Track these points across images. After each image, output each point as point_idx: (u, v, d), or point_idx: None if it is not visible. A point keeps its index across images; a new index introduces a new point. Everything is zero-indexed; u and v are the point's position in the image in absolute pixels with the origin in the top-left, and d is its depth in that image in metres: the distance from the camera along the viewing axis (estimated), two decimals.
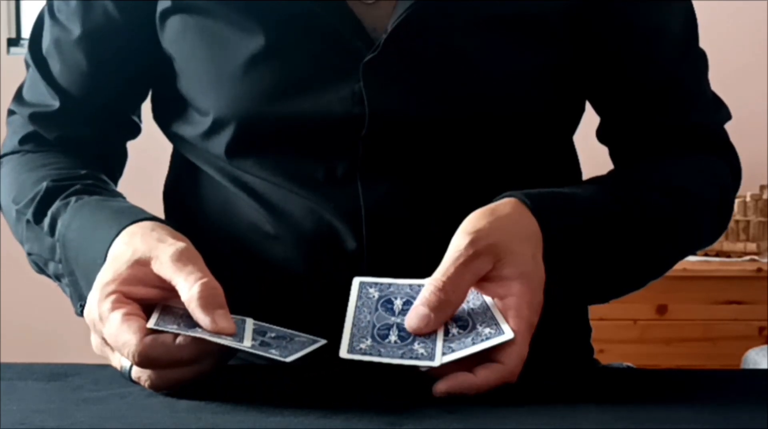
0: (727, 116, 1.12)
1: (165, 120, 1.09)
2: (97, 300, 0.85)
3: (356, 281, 0.87)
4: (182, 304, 0.83)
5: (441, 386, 0.81)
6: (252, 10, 0.99)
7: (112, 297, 0.84)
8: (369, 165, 1.00)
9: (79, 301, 0.95)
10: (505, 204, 0.90)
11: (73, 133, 1.10)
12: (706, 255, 3.12)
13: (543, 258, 0.88)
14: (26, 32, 3.60)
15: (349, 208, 1.00)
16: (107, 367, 0.92)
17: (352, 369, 0.87)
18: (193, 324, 0.82)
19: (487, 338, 0.82)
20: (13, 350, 3.36)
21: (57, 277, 1.00)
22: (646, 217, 0.99)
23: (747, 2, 3.41)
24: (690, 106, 1.09)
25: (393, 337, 0.83)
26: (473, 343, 0.82)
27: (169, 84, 1.05)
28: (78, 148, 1.10)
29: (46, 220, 0.99)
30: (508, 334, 0.82)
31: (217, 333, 0.81)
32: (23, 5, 3.62)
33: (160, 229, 0.89)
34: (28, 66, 1.12)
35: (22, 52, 3.56)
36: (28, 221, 1.01)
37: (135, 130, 1.13)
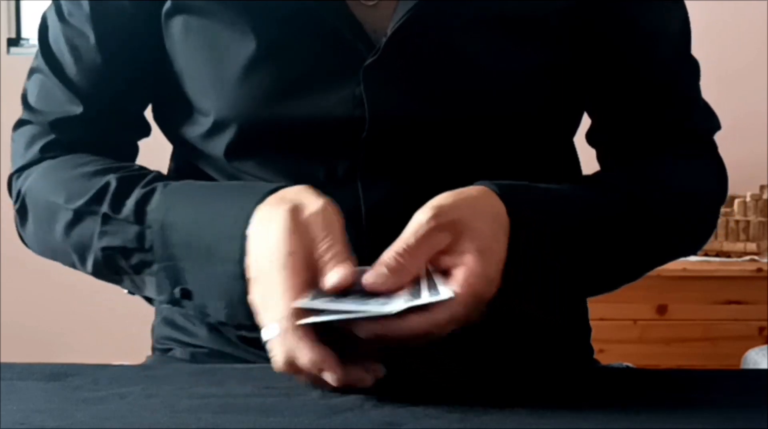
0: (718, 126, 1.12)
1: (166, 120, 1.09)
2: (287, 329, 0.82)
3: None
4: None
5: (366, 326, 0.81)
6: (252, 12, 0.99)
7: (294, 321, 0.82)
8: (369, 166, 1.00)
9: (176, 286, 0.93)
10: (473, 188, 0.91)
11: (95, 136, 1.07)
12: (706, 255, 3.12)
13: (509, 241, 0.88)
14: (26, 32, 3.60)
15: (350, 209, 1.00)
16: (107, 368, 0.92)
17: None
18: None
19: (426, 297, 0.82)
20: (13, 350, 3.36)
21: (137, 269, 0.96)
22: (629, 216, 0.99)
23: (747, 2, 3.41)
24: (683, 111, 1.09)
25: (351, 297, 0.83)
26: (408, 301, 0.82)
27: (171, 84, 1.05)
28: (100, 151, 1.07)
29: (128, 210, 0.96)
30: (443, 294, 0.82)
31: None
32: (23, 5, 3.62)
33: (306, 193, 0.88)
34: (32, 73, 1.09)
35: (22, 52, 3.56)
36: (105, 215, 0.97)
37: (147, 130, 1.12)
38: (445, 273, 0.85)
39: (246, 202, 0.89)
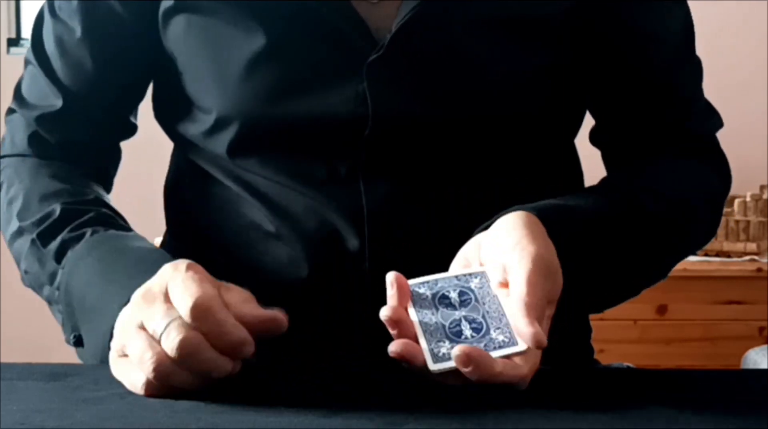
0: (719, 124, 1.12)
1: (167, 118, 1.09)
2: (171, 267, 0.82)
3: None
4: None
5: (464, 348, 0.78)
6: (255, 10, 0.99)
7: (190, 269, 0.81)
8: (372, 165, 1.00)
9: (73, 333, 0.94)
10: (531, 218, 0.88)
11: (75, 135, 1.09)
12: (706, 255, 3.12)
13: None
14: (26, 32, 3.60)
15: (352, 208, 1.00)
16: (107, 367, 0.92)
17: (351, 368, 0.87)
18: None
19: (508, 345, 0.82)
20: (13, 350, 3.36)
21: (48, 301, 1.00)
22: (640, 225, 0.99)
23: (747, 2, 3.41)
24: (684, 112, 1.09)
25: (467, 332, 0.82)
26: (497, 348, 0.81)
27: (172, 82, 1.05)
28: (79, 152, 1.09)
29: (54, 245, 0.98)
30: (521, 346, 0.81)
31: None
32: (23, 5, 3.62)
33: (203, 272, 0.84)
34: (26, 64, 1.11)
35: (22, 52, 3.56)
36: (33, 241, 1.00)
37: (132, 131, 1.13)
38: None
39: (129, 285, 0.86)
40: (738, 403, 0.83)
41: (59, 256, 0.97)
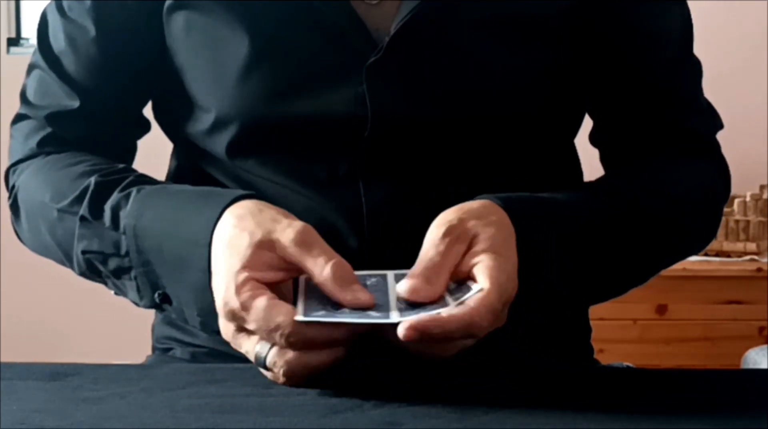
0: (720, 125, 1.12)
1: (167, 118, 1.09)
2: (234, 290, 0.83)
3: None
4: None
5: (405, 325, 0.79)
6: (254, 10, 0.99)
7: (250, 284, 0.83)
8: (371, 165, 1.00)
9: (156, 291, 0.94)
10: (474, 201, 0.91)
11: (93, 131, 1.08)
12: (706, 255, 3.12)
13: (518, 248, 0.88)
14: (26, 32, 3.60)
15: (351, 208, 1.00)
16: (107, 367, 0.92)
17: (351, 368, 0.87)
18: (338, 305, 0.83)
19: (459, 297, 0.83)
20: (13, 349, 3.36)
21: (116, 274, 0.97)
22: (633, 220, 0.99)
23: (747, 2, 3.41)
24: (684, 112, 1.09)
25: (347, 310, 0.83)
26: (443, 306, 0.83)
27: (172, 81, 1.05)
28: (97, 148, 1.08)
29: (106, 215, 0.96)
30: (475, 288, 0.83)
31: (360, 307, 0.82)
32: (23, 5, 3.62)
33: (268, 209, 0.88)
34: (31, 69, 1.10)
35: (22, 52, 3.56)
36: (83, 218, 0.98)
37: (146, 127, 1.13)
38: (463, 281, 0.86)
39: (211, 210, 0.89)
40: (738, 403, 0.83)
41: (115, 223, 0.96)
